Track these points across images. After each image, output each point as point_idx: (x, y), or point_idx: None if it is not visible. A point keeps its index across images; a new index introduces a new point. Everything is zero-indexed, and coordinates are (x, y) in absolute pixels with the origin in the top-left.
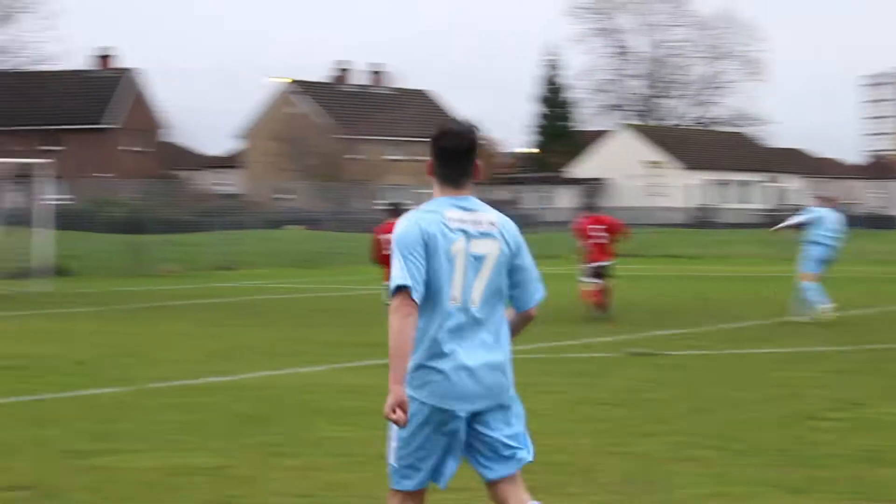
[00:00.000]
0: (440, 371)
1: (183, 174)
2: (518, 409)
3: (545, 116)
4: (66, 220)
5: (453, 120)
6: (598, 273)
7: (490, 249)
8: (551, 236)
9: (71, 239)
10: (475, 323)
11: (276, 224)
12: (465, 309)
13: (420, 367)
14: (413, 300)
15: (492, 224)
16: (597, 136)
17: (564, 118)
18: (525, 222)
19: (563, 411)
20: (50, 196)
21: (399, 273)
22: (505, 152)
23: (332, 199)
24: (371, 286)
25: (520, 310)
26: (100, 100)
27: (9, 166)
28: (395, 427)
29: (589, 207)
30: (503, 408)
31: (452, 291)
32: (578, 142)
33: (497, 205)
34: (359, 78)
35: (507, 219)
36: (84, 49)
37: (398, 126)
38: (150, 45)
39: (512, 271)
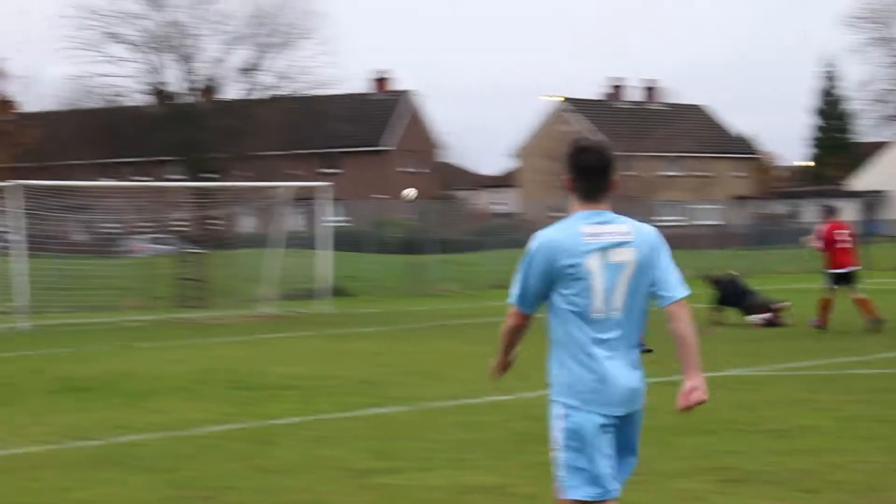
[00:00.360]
0: (590, 378)
1: (460, 194)
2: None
3: (822, 129)
4: (343, 241)
5: (589, 138)
6: (847, 279)
7: (628, 257)
8: None
9: (349, 260)
10: (619, 330)
11: None
12: (608, 318)
13: (572, 375)
14: (523, 313)
15: (627, 233)
16: (876, 147)
17: (842, 130)
18: (803, 236)
19: (846, 428)
20: (329, 218)
21: (514, 288)
22: (781, 166)
23: None
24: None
25: (663, 305)
26: (377, 122)
27: (289, 189)
28: (559, 439)
29: (829, 212)
30: (637, 414)
31: (594, 303)
32: (857, 154)
33: (774, 219)
34: (632, 94)
35: (645, 225)
36: (361, 72)
37: (673, 142)
38: (426, 65)
39: (652, 273)
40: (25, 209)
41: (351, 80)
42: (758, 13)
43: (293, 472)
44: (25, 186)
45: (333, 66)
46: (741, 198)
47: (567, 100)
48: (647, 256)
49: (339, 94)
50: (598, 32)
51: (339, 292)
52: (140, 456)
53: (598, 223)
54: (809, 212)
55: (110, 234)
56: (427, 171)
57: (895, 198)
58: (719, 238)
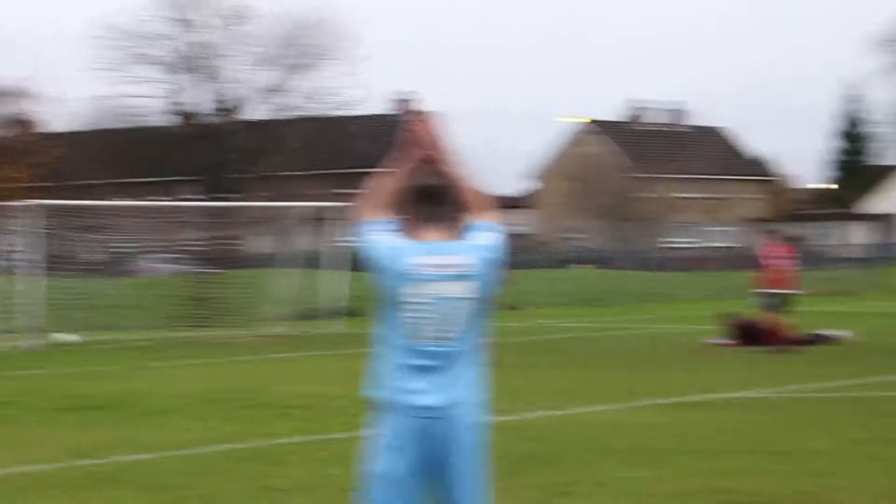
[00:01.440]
0: (402, 406)
1: None
2: (475, 464)
3: (843, 152)
4: (356, 261)
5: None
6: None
7: (456, 291)
8: (846, 273)
9: (360, 280)
10: (436, 360)
11: (564, 263)
12: (426, 346)
13: (384, 401)
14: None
15: (462, 265)
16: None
17: (861, 153)
18: (817, 259)
19: (848, 451)
20: (342, 238)
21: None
22: (799, 188)
23: (623, 237)
24: (660, 325)
25: None
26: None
27: (305, 209)
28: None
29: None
30: (463, 459)
31: (408, 330)
32: (877, 177)
33: (788, 240)
34: (655, 116)
35: (491, 248)
36: (384, 93)
37: (693, 164)
38: (447, 87)
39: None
40: (42, 228)
41: (374, 101)
42: (783, 42)
43: (301, 492)
44: (39, 206)
45: (357, 88)
46: (755, 220)
47: (589, 121)
48: (480, 289)
49: (361, 115)
50: (621, 54)
51: (350, 312)
52: (146, 475)
53: (433, 253)
54: (823, 234)
55: (123, 253)
56: None
57: None
58: (731, 260)
